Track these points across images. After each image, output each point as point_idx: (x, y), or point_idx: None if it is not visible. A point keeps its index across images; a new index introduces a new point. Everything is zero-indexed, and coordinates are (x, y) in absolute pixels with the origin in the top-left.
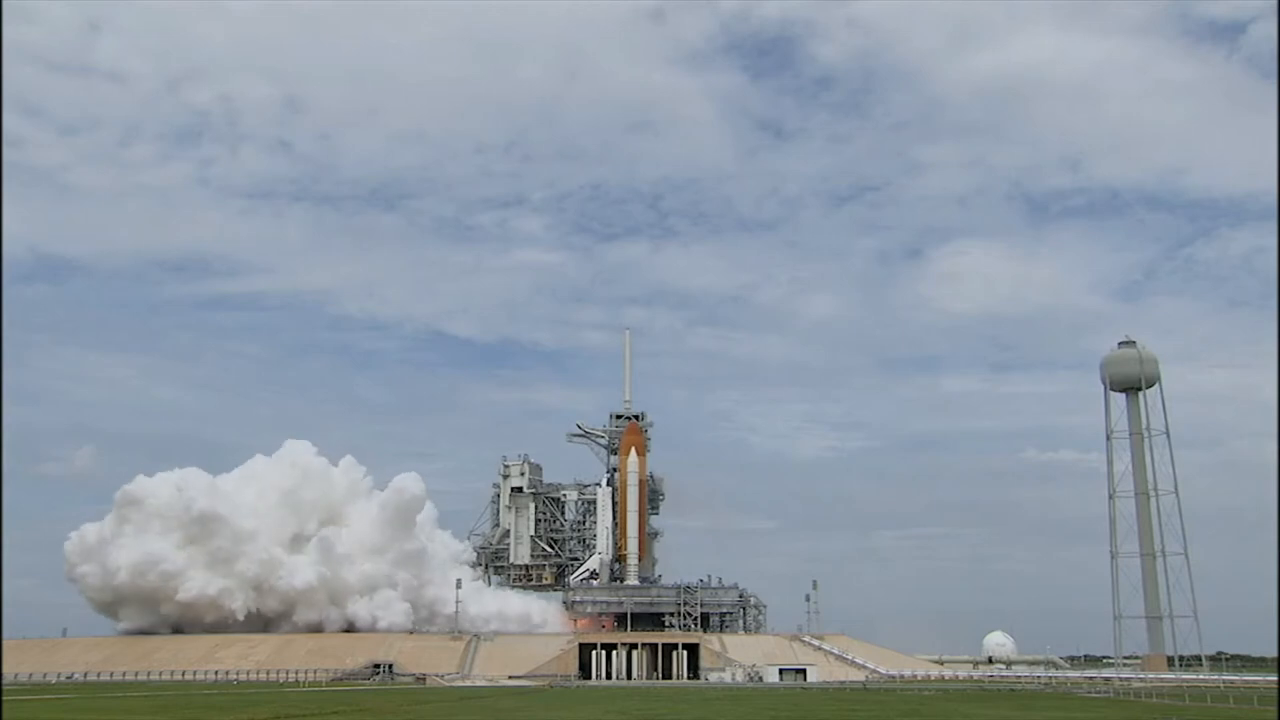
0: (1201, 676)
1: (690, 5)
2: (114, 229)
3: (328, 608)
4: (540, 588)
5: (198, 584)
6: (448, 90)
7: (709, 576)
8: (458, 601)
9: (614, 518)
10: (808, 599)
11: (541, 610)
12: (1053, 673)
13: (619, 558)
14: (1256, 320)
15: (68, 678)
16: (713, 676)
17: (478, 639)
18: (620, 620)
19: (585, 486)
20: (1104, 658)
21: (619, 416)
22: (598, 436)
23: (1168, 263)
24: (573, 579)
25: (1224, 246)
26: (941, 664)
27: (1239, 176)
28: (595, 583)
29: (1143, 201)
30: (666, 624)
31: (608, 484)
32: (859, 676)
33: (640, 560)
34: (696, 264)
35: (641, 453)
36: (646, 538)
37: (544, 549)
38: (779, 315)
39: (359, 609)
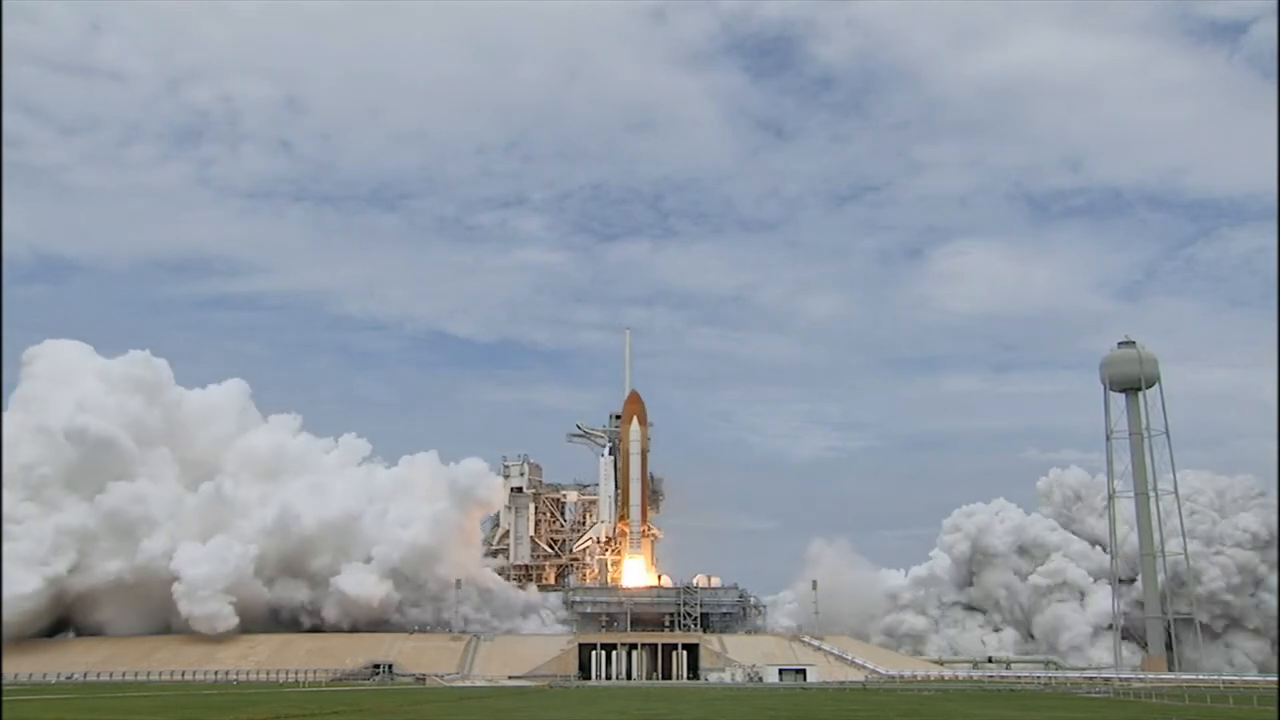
0: (1201, 677)
1: (691, 5)
2: (114, 229)
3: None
4: (541, 588)
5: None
6: (448, 90)
7: (709, 577)
8: (458, 600)
9: (616, 487)
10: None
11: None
12: (1052, 673)
13: (620, 533)
14: (1257, 320)
15: (68, 678)
16: (712, 677)
17: (477, 639)
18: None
19: (585, 486)
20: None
21: (618, 416)
22: (598, 436)
23: (1168, 263)
24: (577, 546)
25: (1225, 246)
26: (941, 664)
27: (1240, 176)
28: (600, 550)
29: (1144, 201)
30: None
31: (609, 453)
32: (859, 677)
33: (644, 524)
34: (697, 264)
35: (643, 421)
36: (649, 505)
37: (544, 549)
38: (780, 315)
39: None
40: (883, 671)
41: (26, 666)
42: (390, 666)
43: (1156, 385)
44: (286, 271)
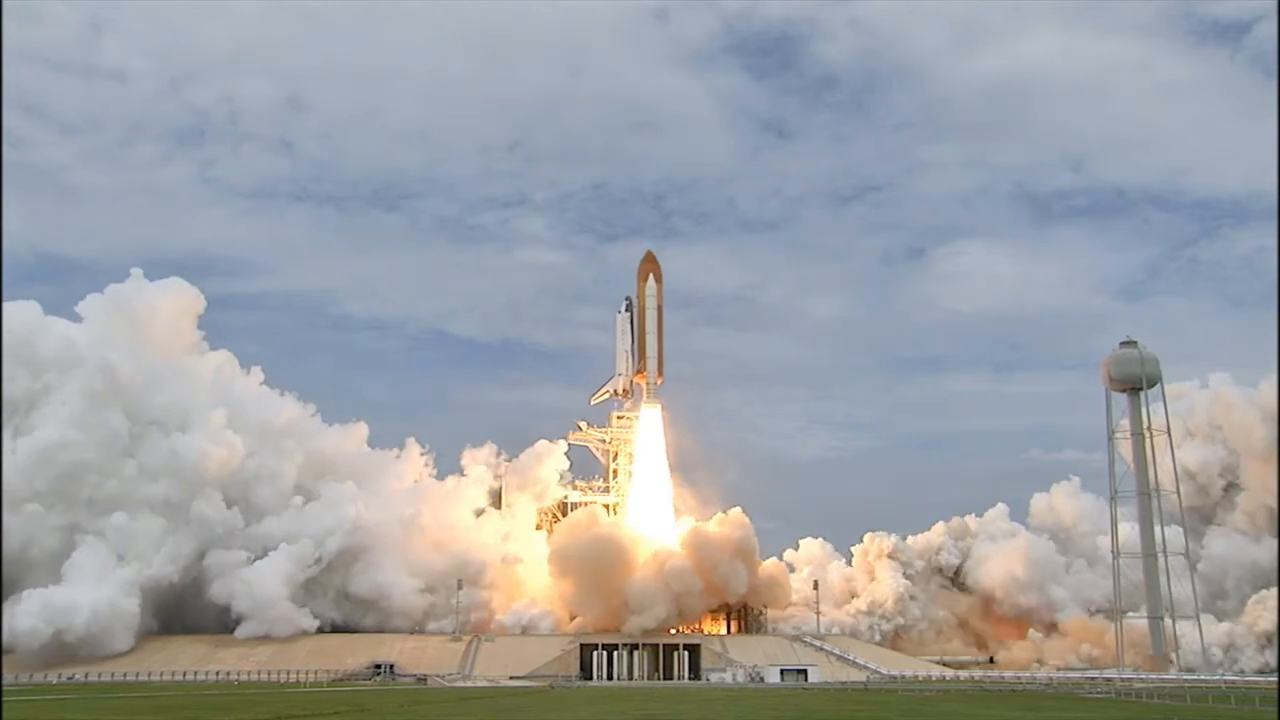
0: (1203, 677)
1: (693, 4)
2: (115, 229)
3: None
4: None
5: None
6: (450, 90)
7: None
8: (457, 600)
9: (633, 339)
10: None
11: None
12: (1054, 673)
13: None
14: (1259, 320)
15: (68, 678)
16: (714, 677)
17: (478, 639)
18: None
19: (587, 483)
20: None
21: (620, 417)
22: (599, 442)
23: (1170, 263)
24: (593, 399)
25: (1227, 247)
26: (944, 664)
27: (1242, 176)
28: (618, 402)
29: (1146, 201)
30: None
31: (625, 310)
32: (860, 677)
33: (659, 380)
34: (699, 264)
35: (659, 279)
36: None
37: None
38: (782, 315)
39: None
40: (884, 672)
41: (26, 667)
42: (391, 667)
43: (1158, 385)
44: (288, 271)
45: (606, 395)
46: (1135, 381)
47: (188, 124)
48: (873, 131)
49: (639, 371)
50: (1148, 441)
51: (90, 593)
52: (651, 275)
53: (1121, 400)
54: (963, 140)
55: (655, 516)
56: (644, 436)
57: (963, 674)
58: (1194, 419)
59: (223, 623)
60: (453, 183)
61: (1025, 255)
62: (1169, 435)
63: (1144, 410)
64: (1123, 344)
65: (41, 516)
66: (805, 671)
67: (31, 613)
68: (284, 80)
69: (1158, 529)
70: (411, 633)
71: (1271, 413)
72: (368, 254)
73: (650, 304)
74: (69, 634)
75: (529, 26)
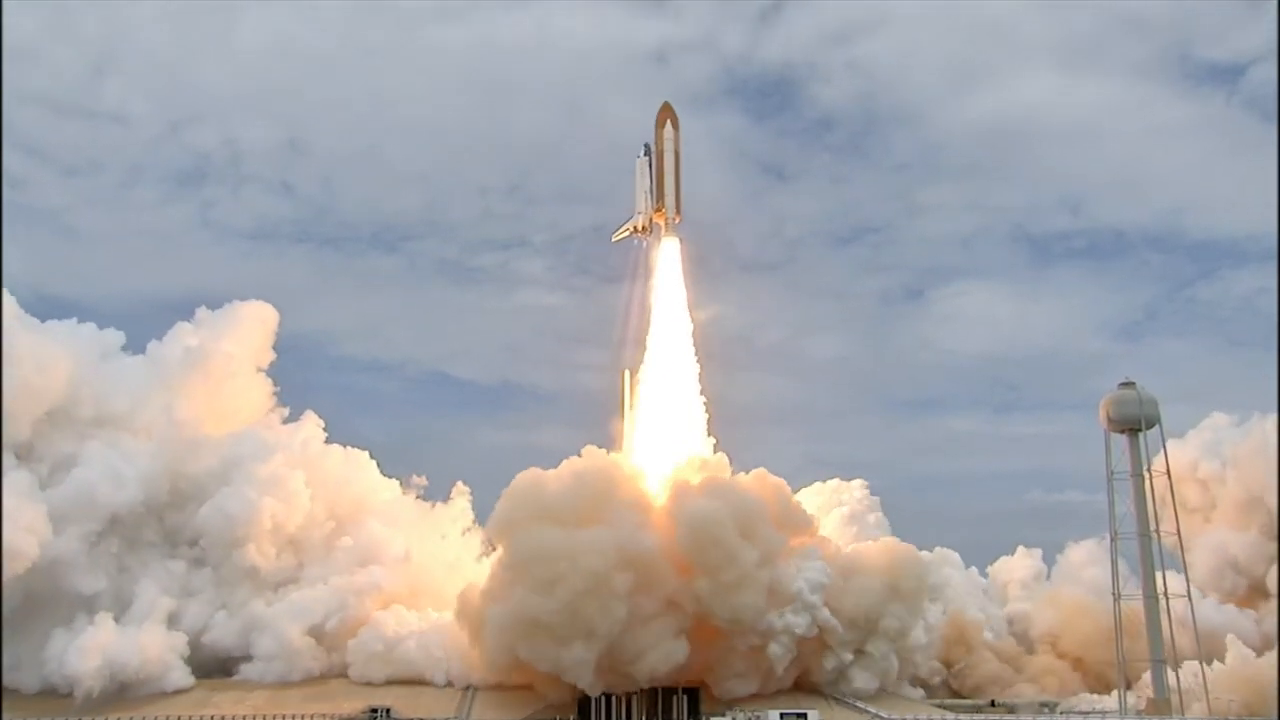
0: (1205, 719)
1: (692, 47)
2: (116, 271)
3: None
4: None
5: None
6: (449, 132)
7: None
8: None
9: (651, 180)
10: None
11: None
12: (1057, 716)
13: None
14: (1258, 360)
15: None
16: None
17: (474, 688)
18: None
19: None
20: None
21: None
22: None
23: (1169, 303)
24: (614, 237)
25: (1225, 287)
26: (944, 708)
27: (1239, 217)
28: (638, 240)
29: (1144, 243)
30: None
31: (644, 155)
32: None
33: (677, 219)
34: (697, 304)
35: (676, 126)
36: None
37: None
38: (781, 357)
39: None
40: (885, 716)
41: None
42: (388, 710)
43: (1157, 426)
44: (288, 312)
45: (627, 233)
46: (1134, 422)
47: (189, 166)
48: (871, 173)
49: (658, 209)
50: (1147, 483)
51: (141, 636)
52: (669, 121)
53: (1121, 441)
54: (961, 182)
55: (682, 408)
56: (662, 273)
57: (964, 717)
58: (1226, 494)
59: (221, 666)
60: (452, 225)
61: (1024, 296)
62: (1169, 476)
63: (1143, 451)
64: (1121, 385)
65: (111, 557)
66: (805, 715)
67: (90, 651)
68: (285, 123)
69: (1159, 570)
70: (409, 683)
71: None
72: (368, 295)
73: (668, 147)
74: (123, 675)
75: (528, 69)
